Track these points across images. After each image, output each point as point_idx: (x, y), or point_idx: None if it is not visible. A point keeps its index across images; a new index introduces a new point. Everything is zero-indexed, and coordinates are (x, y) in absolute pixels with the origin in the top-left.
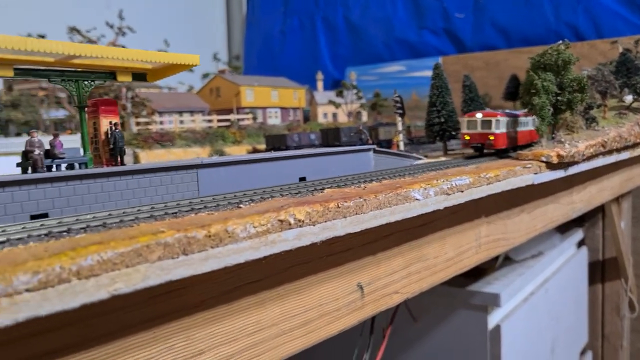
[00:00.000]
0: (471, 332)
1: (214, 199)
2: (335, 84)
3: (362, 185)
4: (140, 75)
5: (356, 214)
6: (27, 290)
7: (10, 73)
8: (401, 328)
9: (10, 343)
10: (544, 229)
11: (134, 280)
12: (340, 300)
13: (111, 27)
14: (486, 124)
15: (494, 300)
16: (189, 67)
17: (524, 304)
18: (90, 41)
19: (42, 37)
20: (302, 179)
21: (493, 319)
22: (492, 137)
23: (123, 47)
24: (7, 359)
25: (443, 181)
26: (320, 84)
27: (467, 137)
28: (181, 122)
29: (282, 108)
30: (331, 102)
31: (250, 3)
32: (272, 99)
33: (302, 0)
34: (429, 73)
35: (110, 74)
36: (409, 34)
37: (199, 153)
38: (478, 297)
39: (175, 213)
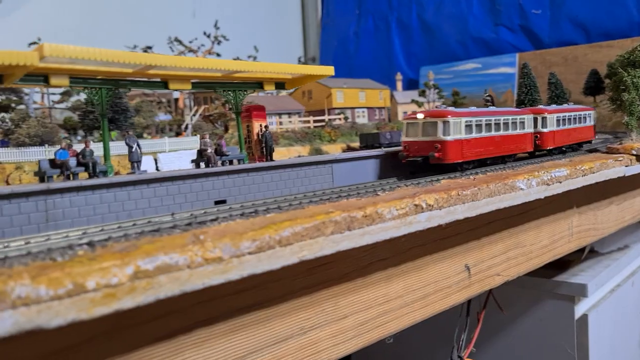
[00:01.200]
0: (558, 321)
1: (349, 188)
2: (410, 84)
3: (472, 177)
4: (281, 84)
5: (472, 200)
6: (249, 253)
7: (188, 86)
8: (491, 316)
9: (236, 294)
10: (632, 221)
11: (315, 249)
12: (451, 279)
13: (208, 36)
14: (430, 127)
15: (581, 291)
16: (322, 77)
17: (611, 296)
18: (192, 51)
19: (149, 48)
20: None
21: (580, 309)
22: (438, 146)
23: (218, 54)
24: (229, 308)
25: (543, 173)
26: (399, 84)
27: (405, 147)
28: (280, 123)
29: (368, 108)
30: (414, 102)
31: (325, 7)
32: (359, 99)
33: (376, 2)
34: (505, 70)
35: (259, 84)
36: (484, 32)
37: (300, 151)
38: (565, 287)
39: (328, 198)
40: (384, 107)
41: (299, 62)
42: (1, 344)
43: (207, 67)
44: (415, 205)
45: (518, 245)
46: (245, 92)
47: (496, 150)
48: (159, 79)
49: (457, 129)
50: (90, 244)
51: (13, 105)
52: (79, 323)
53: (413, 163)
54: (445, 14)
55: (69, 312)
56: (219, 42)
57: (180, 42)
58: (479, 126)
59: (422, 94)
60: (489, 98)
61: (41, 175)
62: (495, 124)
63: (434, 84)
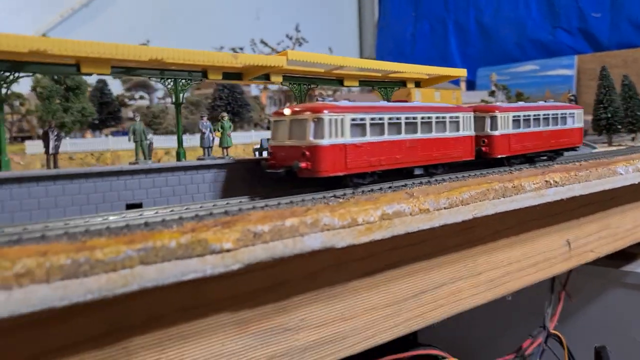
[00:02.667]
0: (626, 309)
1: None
2: (468, 85)
3: (578, 163)
4: (418, 84)
5: (585, 181)
6: (444, 208)
7: (356, 83)
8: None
9: (410, 245)
10: None
11: (482, 209)
12: (556, 251)
13: (290, 38)
14: (297, 127)
15: None
16: (455, 78)
17: None
18: (276, 51)
19: (241, 49)
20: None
21: None
22: (307, 153)
23: None
24: (407, 256)
25: (637, 161)
26: (463, 85)
27: (270, 154)
28: None
29: None
30: (484, 101)
31: (382, 9)
32: (435, 98)
33: (433, 5)
34: (563, 72)
35: (402, 82)
36: (542, 34)
37: None
38: (633, 276)
39: (478, 175)
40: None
41: None
42: (307, 256)
43: (372, 67)
44: (546, 181)
45: (608, 226)
46: (393, 89)
47: (407, 158)
48: (335, 78)
49: (336, 130)
50: (353, 193)
51: (137, 99)
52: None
53: (276, 175)
54: (503, 16)
55: (348, 238)
56: (300, 44)
57: (266, 44)
58: (376, 126)
59: (492, 94)
60: (572, 97)
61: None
62: (406, 123)
63: (503, 85)
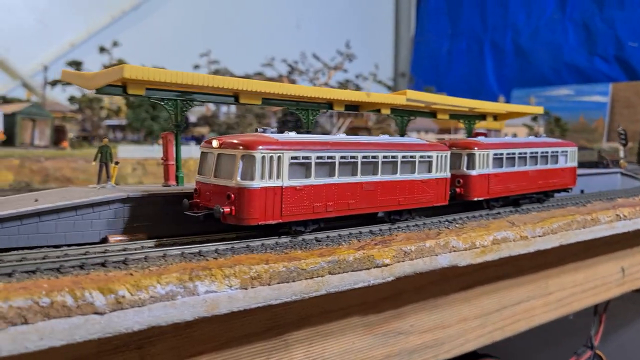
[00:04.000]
0: None
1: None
2: None
3: (637, 198)
4: (495, 117)
5: None
6: (539, 236)
7: (446, 116)
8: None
9: (499, 265)
10: None
11: (567, 238)
12: (612, 277)
13: (341, 54)
14: (225, 163)
15: None
16: (531, 115)
17: None
18: (326, 66)
19: (296, 63)
20: (582, 191)
21: None
22: (232, 196)
23: (345, 70)
24: (494, 274)
25: None
26: None
27: (195, 195)
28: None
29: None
30: (525, 125)
31: (418, 25)
32: (495, 124)
33: (470, 24)
34: (598, 99)
35: (482, 116)
36: (578, 60)
37: None
38: None
39: (559, 206)
40: (499, 130)
41: (402, 76)
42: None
43: (462, 105)
44: (617, 215)
45: None
46: (474, 122)
47: (362, 204)
48: (430, 111)
49: (271, 170)
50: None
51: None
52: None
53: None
54: (540, 39)
55: (468, 258)
56: (350, 60)
57: (318, 58)
58: (324, 166)
59: (535, 119)
60: (623, 131)
61: None
62: (363, 162)
63: (546, 111)
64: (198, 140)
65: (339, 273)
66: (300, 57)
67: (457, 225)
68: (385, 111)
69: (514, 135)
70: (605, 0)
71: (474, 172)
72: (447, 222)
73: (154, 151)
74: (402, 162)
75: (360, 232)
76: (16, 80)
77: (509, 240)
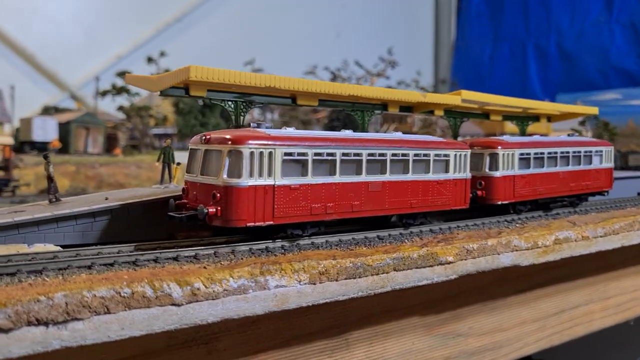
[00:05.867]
0: None
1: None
2: None
3: None
4: (549, 118)
5: None
6: (600, 236)
7: (499, 117)
8: None
9: (556, 267)
10: None
11: (629, 238)
12: None
13: (383, 60)
14: (212, 160)
15: None
16: (585, 115)
17: None
18: (369, 73)
19: (339, 71)
20: (639, 194)
21: None
22: (217, 195)
23: (387, 77)
24: (550, 277)
25: None
26: None
27: (183, 194)
28: None
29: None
30: (574, 130)
31: (459, 30)
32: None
33: (513, 28)
34: None
35: (536, 117)
36: (626, 62)
37: None
38: None
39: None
40: (547, 134)
41: (442, 82)
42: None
43: (516, 105)
44: None
45: None
46: (527, 123)
47: (368, 205)
48: (482, 112)
49: (261, 167)
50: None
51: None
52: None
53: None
54: (586, 42)
55: (530, 258)
56: (393, 67)
57: (360, 66)
58: (323, 164)
59: (582, 123)
60: None
61: None
62: (368, 160)
63: (596, 115)
64: None
65: (403, 270)
66: (342, 64)
67: (517, 225)
68: (439, 112)
69: None
70: None
71: (497, 174)
72: (505, 222)
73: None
74: (414, 160)
75: (421, 231)
76: (64, 92)
77: (570, 240)
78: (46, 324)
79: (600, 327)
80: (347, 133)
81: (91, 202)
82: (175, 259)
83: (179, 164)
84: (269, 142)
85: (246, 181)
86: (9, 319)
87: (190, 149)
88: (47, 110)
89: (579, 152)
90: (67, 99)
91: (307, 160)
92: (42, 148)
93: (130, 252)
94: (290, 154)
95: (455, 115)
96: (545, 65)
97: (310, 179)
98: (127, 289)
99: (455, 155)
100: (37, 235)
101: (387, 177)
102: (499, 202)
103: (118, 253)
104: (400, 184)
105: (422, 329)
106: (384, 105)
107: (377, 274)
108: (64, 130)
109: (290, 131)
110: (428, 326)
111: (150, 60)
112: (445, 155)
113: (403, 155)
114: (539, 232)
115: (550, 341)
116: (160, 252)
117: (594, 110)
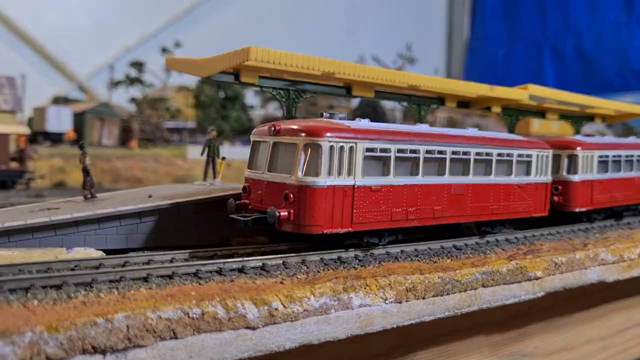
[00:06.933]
0: None
1: None
2: None
3: None
4: (603, 118)
5: None
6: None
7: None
8: None
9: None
10: None
11: None
12: None
13: (401, 57)
14: (283, 154)
15: None
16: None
17: None
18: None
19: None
20: None
21: None
22: (290, 196)
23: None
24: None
25: None
26: None
27: (244, 194)
28: None
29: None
30: (599, 132)
31: (473, 30)
32: (552, 128)
33: (529, 29)
34: None
35: (591, 117)
36: None
37: None
38: None
39: None
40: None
41: None
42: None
43: (585, 103)
44: None
45: None
46: (582, 123)
47: (450, 211)
48: (538, 110)
49: (341, 163)
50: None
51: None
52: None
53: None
54: (605, 44)
55: (615, 273)
56: (412, 63)
57: (378, 60)
58: (402, 160)
59: (610, 126)
60: None
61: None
62: (452, 159)
63: None
64: None
65: (491, 286)
66: (359, 60)
67: (597, 235)
68: (496, 109)
69: None
70: None
71: (576, 178)
72: (581, 231)
73: (223, 152)
74: (497, 160)
75: (497, 240)
76: (72, 83)
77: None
78: (103, 352)
79: None
80: (428, 128)
81: (133, 199)
82: (241, 270)
83: (224, 158)
84: (350, 135)
85: (324, 180)
86: (60, 347)
87: (254, 141)
88: (58, 101)
89: None
90: (74, 90)
91: (389, 157)
92: (56, 139)
93: (186, 259)
94: (372, 150)
95: (512, 112)
96: (562, 66)
97: (392, 180)
98: (196, 309)
99: (538, 156)
100: (76, 238)
101: (470, 179)
102: (577, 209)
103: (172, 261)
104: (482, 187)
105: (489, 348)
106: (440, 99)
107: (465, 291)
108: (78, 120)
109: (369, 123)
110: (494, 346)
111: (164, 50)
112: (528, 156)
113: (487, 154)
114: (624, 244)
115: None
116: (224, 262)
117: None
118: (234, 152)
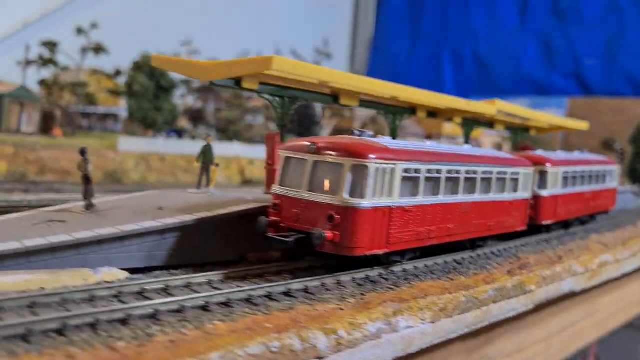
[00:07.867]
0: None
1: None
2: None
3: None
4: (540, 130)
5: None
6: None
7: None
8: None
9: None
10: None
11: None
12: None
13: (319, 52)
14: (327, 174)
15: None
16: (574, 130)
17: None
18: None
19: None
20: None
21: None
22: (335, 218)
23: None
24: None
25: None
26: None
27: (275, 207)
28: None
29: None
30: (497, 144)
31: (378, 29)
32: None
33: (431, 31)
34: (553, 111)
35: (526, 129)
36: (536, 72)
37: None
38: None
39: None
40: (476, 139)
41: None
42: None
43: (536, 119)
44: None
45: None
46: (520, 135)
47: (458, 228)
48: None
49: (383, 185)
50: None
51: None
52: None
53: (282, 245)
54: (499, 50)
55: (582, 283)
56: (329, 58)
57: (297, 55)
58: (428, 180)
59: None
60: (621, 152)
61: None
62: (466, 178)
63: None
64: (179, 133)
65: (499, 301)
66: (274, 52)
67: (561, 246)
68: (457, 120)
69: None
70: (566, 17)
71: (545, 193)
72: (545, 242)
73: (157, 145)
74: (496, 179)
75: (485, 254)
76: None
77: (608, 264)
78: None
79: (588, 342)
80: (441, 146)
81: (141, 211)
82: (288, 294)
83: (217, 165)
84: (391, 157)
85: (369, 202)
86: None
87: (287, 157)
88: None
89: (598, 172)
90: None
91: (418, 177)
92: None
93: (222, 281)
94: (408, 171)
95: (469, 123)
96: (460, 68)
97: (422, 199)
98: (276, 342)
99: (523, 173)
100: (100, 257)
101: (476, 197)
102: (544, 222)
103: (209, 283)
104: (484, 205)
105: (464, 354)
106: (412, 109)
107: (480, 308)
108: None
109: (401, 142)
110: (468, 351)
111: (80, 31)
112: (516, 173)
113: (489, 173)
114: (586, 255)
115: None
116: (271, 287)
117: (583, 125)
118: (169, 146)
